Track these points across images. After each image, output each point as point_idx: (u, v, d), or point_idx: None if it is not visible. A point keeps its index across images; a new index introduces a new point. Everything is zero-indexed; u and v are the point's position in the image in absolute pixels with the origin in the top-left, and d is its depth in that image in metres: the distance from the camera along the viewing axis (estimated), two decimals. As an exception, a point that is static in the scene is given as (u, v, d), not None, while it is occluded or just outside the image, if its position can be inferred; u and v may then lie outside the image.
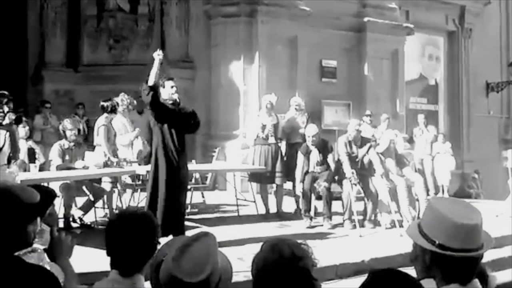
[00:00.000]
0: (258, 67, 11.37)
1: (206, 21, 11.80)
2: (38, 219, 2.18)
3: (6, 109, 5.22)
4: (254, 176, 8.64)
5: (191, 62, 11.80)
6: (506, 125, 16.54)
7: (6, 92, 5.55)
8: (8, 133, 5.33)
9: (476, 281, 1.94)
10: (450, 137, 15.18)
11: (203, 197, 9.06)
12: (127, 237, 2.14)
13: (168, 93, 6.33)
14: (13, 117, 5.22)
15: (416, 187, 8.17)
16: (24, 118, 8.18)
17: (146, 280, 2.20)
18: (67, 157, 7.19)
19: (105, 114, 7.70)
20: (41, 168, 7.01)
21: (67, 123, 7.28)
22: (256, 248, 2.03)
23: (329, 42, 12.30)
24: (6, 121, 5.17)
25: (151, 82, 6.07)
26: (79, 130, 8.49)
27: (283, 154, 8.66)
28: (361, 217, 8.04)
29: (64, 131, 7.23)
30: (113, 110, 7.74)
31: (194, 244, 1.95)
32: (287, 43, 11.67)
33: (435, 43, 15.43)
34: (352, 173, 7.82)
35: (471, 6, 15.56)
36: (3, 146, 5.39)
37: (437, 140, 12.23)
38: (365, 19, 12.61)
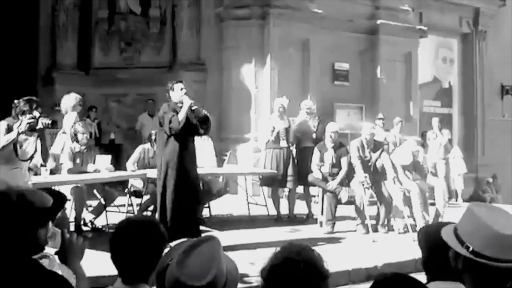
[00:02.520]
0: (270, 70, 11.30)
1: (217, 23, 11.75)
2: (50, 222, 2.16)
3: (37, 114, 5.19)
4: (266, 180, 8.58)
5: (203, 65, 11.75)
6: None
7: (34, 98, 5.53)
8: (39, 139, 5.31)
9: None
10: (464, 141, 15.07)
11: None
12: (131, 245, 2.09)
13: (178, 95, 6.32)
14: (48, 121, 5.17)
15: (436, 191, 8.08)
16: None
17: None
18: (78, 161, 7.17)
19: None
20: (52, 172, 6.98)
21: (79, 126, 7.25)
22: (267, 252, 1.97)
23: (342, 45, 12.22)
24: (40, 126, 5.13)
25: (177, 124, 6.11)
26: (90, 134, 8.47)
27: (295, 158, 8.60)
28: (374, 222, 7.95)
29: (75, 134, 7.20)
30: None
31: (198, 247, 1.93)
32: (299, 45, 11.60)
33: (449, 46, 15.31)
34: (365, 177, 7.74)
35: (486, 8, 15.41)
36: (35, 152, 5.37)
37: (451, 144, 12.10)
38: (378, 21, 12.51)
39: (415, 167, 8.20)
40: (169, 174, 6.17)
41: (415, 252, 5.94)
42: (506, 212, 1.99)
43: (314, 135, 8.69)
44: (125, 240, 2.12)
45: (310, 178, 8.22)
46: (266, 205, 8.43)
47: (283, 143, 8.47)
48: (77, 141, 7.21)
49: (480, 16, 15.39)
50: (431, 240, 2.25)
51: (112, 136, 11.16)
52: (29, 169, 5.84)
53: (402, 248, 6.69)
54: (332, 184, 7.86)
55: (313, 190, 8.77)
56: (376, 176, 8.00)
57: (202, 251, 1.92)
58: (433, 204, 8.12)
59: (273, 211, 8.50)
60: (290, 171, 8.43)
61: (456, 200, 12.72)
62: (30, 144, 5.32)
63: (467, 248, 1.88)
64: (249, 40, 11.41)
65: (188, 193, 6.23)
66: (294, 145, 8.67)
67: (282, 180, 8.41)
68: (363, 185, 7.75)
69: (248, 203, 8.56)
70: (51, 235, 2.20)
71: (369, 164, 8.02)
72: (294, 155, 8.63)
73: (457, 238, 1.94)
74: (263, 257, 1.94)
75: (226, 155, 9.71)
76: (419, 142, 11.33)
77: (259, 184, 8.98)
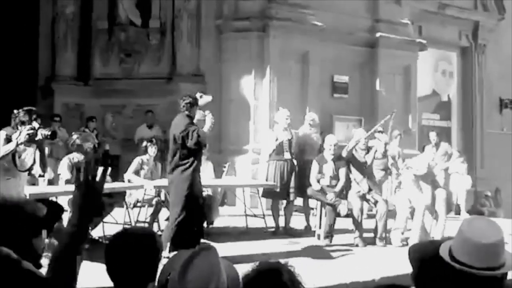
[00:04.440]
0: (269, 82, 11.30)
1: (217, 35, 11.78)
2: (45, 233, 2.13)
3: (36, 125, 5.18)
4: (267, 192, 8.55)
5: (202, 76, 11.74)
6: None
7: (34, 108, 5.53)
8: (38, 150, 5.30)
9: None
10: (463, 154, 15.04)
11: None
12: (127, 256, 2.07)
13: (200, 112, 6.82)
14: (48, 132, 5.16)
15: (437, 202, 8.06)
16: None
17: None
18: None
19: None
20: (50, 182, 6.96)
21: (82, 139, 7.22)
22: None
23: (341, 58, 12.24)
24: (39, 136, 5.13)
25: (205, 139, 6.65)
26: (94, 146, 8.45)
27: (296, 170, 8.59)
28: (372, 235, 7.94)
29: (79, 148, 7.19)
30: None
31: (197, 258, 1.94)
32: (298, 58, 11.63)
33: (448, 59, 15.36)
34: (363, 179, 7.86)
35: (485, 22, 15.48)
36: (33, 164, 5.36)
37: (450, 157, 12.07)
38: (378, 34, 12.54)
39: (431, 179, 8.20)
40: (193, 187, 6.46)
41: (413, 266, 5.99)
42: (492, 221, 2.06)
43: (318, 147, 8.72)
44: (120, 251, 2.10)
45: (309, 191, 8.22)
46: (264, 217, 8.40)
47: (287, 155, 8.47)
48: (85, 153, 7.17)
49: (479, 30, 15.47)
50: (421, 256, 2.28)
51: (107, 147, 11.13)
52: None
53: (399, 262, 6.64)
54: (330, 196, 7.85)
55: (312, 203, 8.76)
56: (372, 179, 8.13)
57: (201, 262, 1.93)
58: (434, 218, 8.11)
59: (271, 223, 8.47)
60: (292, 183, 8.42)
61: (460, 214, 12.78)
62: (29, 155, 5.32)
63: (457, 262, 1.96)
64: (249, 52, 11.43)
65: (198, 206, 6.57)
66: (296, 157, 8.65)
67: (284, 192, 8.40)
68: (359, 192, 7.84)
69: (246, 215, 8.54)
70: (49, 246, 2.18)
71: (365, 167, 8.11)
72: (296, 167, 8.63)
73: (449, 253, 2.02)
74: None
75: (225, 167, 9.70)
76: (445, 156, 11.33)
77: (260, 195, 8.91)
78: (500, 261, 1.92)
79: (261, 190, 8.72)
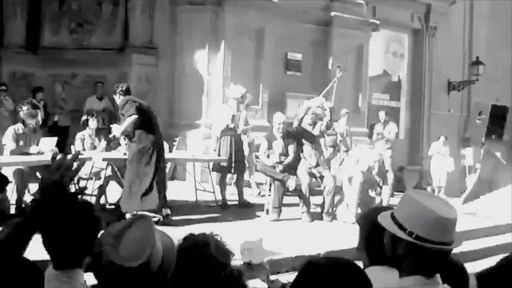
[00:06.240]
0: (223, 57, 11.25)
1: (171, 7, 11.59)
2: None
3: None
4: (217, 166, 8.59)
5: (155, 49, 11.58)
6: (465, 124, 16.85)
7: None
8: None
9: (438, 276, 1.96)
10: (410, 134, 15.42)
11: None
12: (62, 229, 2.01)
13: None
14: None
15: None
16: None
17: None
18: (21, 142, 6.99)
19: None
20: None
21: (29, 115, 7.03)
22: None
23: (296, 35, 12.26)
24: None
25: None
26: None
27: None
28: (319, 210, 8.11)
29: (23, 120, 7.02)
30: None
31: (130, 228, 1.94)
32: (253, 34, 11.59)
33: (400, 40, 15.55)
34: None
35: (437, 5, 15.72)
36: None
37: (397, 137, 12.35)
38: (332, 13, 12.62)
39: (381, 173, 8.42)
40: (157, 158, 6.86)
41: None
42: (443, 199, 2.07)
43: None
44: (56, 223, 2.03)
45: (259, 166, 8.31)
46: (214, 192, 8.44)
47: (238, 131, 8.54)
48: (23, 123, 7.02)
49: (431, 13, 15.65)
50: (370, 223, 2.28)
51: (56, 118, 10.90)
52: None
53: (345, 236, 6.82)
54: (279, 168, 8.00)
55: (261, 178, 8.86)
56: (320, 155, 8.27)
57: (134, 232, 1.93)
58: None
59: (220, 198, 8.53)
60: (240, 157, 8.52)
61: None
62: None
63: (411, 234, 1.91)
64: (203, 26, 11.32)
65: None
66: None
67: (235, 166, 8.49)
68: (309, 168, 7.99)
69: (196, 189, 8.56)
70: None
71: (312, 143, 8.26)
72: (247, 143, 8.75)
73: (396, 224, 1.96)
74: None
75: (176, 141, 9.66)
76: (366, 134, 11.52)
77: (211, 169, 8.91)
78: (454, 236, 1.95)
79: (212, 165, 8.75)
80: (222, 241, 2.16)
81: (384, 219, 2.02)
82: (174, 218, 7.03)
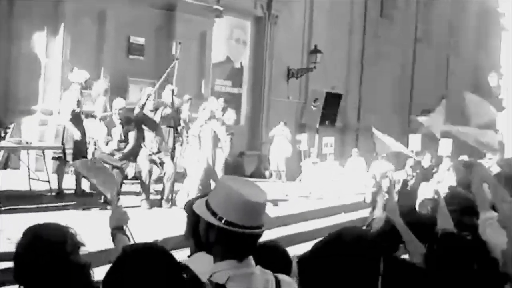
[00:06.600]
0: (63, 40, 10.84)
1: (9, -14, 10.87)
2: None
3: None
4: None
5: (-10, 30, 10.81)
6: (302, 110, 17.71)
7: None
8: None
9: (251, 258, 2.05)
10: (251, 120, 15.97)
11: None
12: None
13: None
14: None
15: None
16: None
17: None
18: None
19: None
20: None
21: None
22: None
23: (139, 19, 12.14)
24: None
25: None
26: None
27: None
28: (159, 197, 8.26)
29: None
30: None
31: None
32: (95, 17, 11.29)
33: (243, 27, 15.92)
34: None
35: (279, -6, 16.27)
36: None
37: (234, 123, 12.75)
38: (176, -2, 12.65)
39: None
40: None
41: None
42: (254, 183, 2.14)
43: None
44: None
45: (97, 153, 8.23)
46: (49, 181, 8.20)
47: (83, 117, 8.44)
48: None
49: (273, 1, 16.06)
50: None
51: None
52: None
53: (184, 223, 7.03)
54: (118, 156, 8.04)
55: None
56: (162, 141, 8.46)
57: None
58: None
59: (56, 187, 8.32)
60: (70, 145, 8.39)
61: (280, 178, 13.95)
62: None
63: (221, 219, 1.97)
64: (42, 7, 10.77)
65: None
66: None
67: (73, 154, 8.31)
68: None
69: (30, 178, 8.26)
70: None
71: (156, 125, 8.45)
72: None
73: (209, 210, 2.01)
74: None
75: (10, 128, 9.22)
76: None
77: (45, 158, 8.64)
78: (264, 220, 2.03)
79: (48, 153, 8.50)
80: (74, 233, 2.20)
81: (199, 207, 2.07)
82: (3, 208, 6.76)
